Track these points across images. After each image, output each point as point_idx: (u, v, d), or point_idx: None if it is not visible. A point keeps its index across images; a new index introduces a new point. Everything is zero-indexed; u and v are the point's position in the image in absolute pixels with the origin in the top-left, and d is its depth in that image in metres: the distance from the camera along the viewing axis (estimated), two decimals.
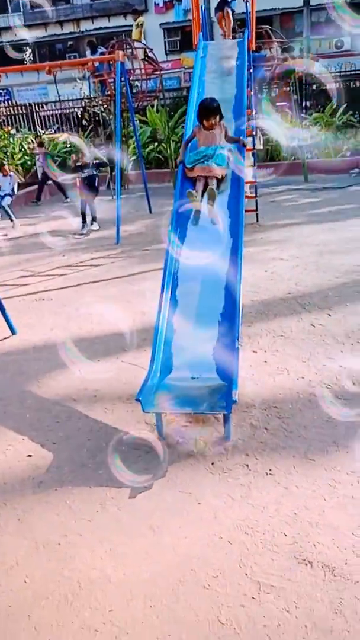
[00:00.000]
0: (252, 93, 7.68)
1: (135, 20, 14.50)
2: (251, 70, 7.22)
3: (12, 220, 9.69)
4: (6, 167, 10.12)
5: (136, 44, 13.31)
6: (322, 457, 2.92)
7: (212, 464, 2.92)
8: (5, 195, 9.77)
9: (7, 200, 9.76)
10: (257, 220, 8.31)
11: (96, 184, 9.15)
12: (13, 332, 4.81)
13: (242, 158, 4.58)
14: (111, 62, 10.95)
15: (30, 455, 3.12)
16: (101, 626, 2.04)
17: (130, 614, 2.09)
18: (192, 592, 2.16)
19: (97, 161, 9.27)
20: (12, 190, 9.98)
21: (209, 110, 4.39)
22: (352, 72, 18.36)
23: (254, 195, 8.07)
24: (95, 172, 9.06)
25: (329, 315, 4.72)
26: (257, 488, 2.72)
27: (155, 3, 29.54)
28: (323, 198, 10.00)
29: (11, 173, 10.07)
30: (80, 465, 3.00)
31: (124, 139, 12.22)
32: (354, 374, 3.74)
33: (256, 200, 8.18)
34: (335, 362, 3.91)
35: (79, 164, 9.06)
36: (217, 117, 4.42)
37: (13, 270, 6.98)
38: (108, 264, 7.00)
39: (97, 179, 9.16)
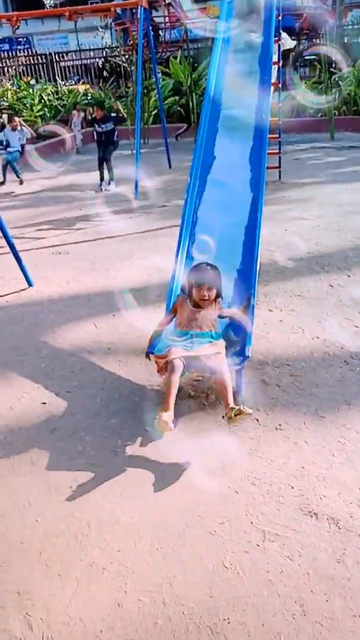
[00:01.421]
0: (280, 42, 7.33)
1: None
2: (280, 18, 6.86)
3: (18, 177, 9.57)
4: (16, 120, 9.87)
5: None
6: (332, 415, 2.92)
7: (223, 417, 2.94)
8: (15, 151, 9.58)
9: (16, 157, 9.58)
10: (280, 178, 8.10)
11: (114, 138, 8.89)
12: (30, 284, 4.83)
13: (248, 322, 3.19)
14: (134, 9, 10.52)
15: (44, 403, 3.18)
16: (109, 565, 2.12)
17: (137, 555, 2.16)
18: (198, 537, 2.22)
19: (114, 115, 8.98)
20: (22, 146, 9.75)
21: (205, 278, 3.06)
22: None
23: (277, 151, 7.83)
24: (113, 126, 8.78)
25: (348, 276, 4.64)
26: (267, 442, 2.74)
27: None
28: (349, 157, 9.67)
29: (22, 127, 9.82)
30: (93, 414, 3.05)
31: (145, 91, 11.88)
32: None
33: (279, 157, 7.96)
34: (352, 323, 3.86)
35: (94, 116, 8.80)
36: (214, 292, 3.07)
37: (30, 224, 6.96)
38: (126, 220, 6.93)
39: (115, 132, 8.89)
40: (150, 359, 3.14)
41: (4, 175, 9.71)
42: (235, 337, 3.19)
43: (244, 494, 2.42)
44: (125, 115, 9.31)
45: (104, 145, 8.76)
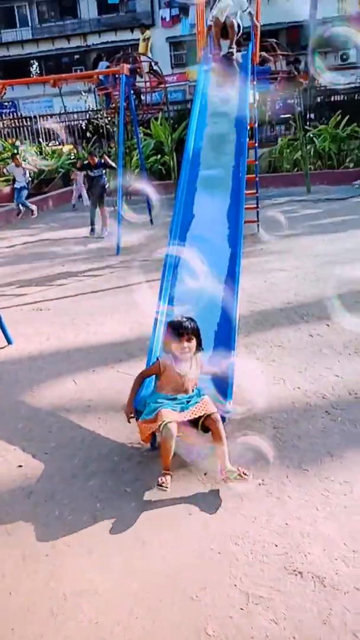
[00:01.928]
0: (255, 106, 7.73)
1: (142, 33, 14.72)
2: (254, 83, 7.28)
3: (31, 210, 9.95)
4: (18, 157, 10.36)
5: (142, 58, 13.48)
6: (315, 467, 2.88)
7: (205, 474, 2.89)
8: (22, 188, 10.00)
9: (24, 193, 10.01)
10: (258, 231, 8.32)
11: (104, 186, 9.29)
12: (9, 342, 4.81)
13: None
14: (116, 75, 11.08)
15: (20, 466, 3.09)
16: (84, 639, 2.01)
17: (116, 626, 2.05)
18: (180, 603, 2.12)
19: (103, 162, 9.40)
20: (27, 183, 10.26)
21: (183, 329, 2.91)
22: (358, 84, 18.50)
23: (255, 206, 8.09)
24: (103, 173, 9.20)
25: (327, 325, 4.70)
26: (249, 499, 2.68)
27: (162, 17, 29.97)
28: (325, 209, 10.02)
29: (24, 165, 10.31)
30: (71, 476, 2.97)
31: (127, 150, 12.33)
32: (350, 384, 3.71)
33: (257, 211, 8.21)
34: (332, 372, 3.88)
35: (86, 162, 9.24)
36: (194, 343, 2.95)
37: (12, 280, 7.01)
38: (107, 274, 7.02)
39: (105, 178, 9.32)
40: (130, 422, 3.04)
41: (20, 207, 10.19)
42: (216, 391, 3.18)
43: (226, 554, 2.34)
44: (114, 165, 9.63)
45: (96, 189, 9.27)
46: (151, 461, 3.01)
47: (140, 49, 14.17)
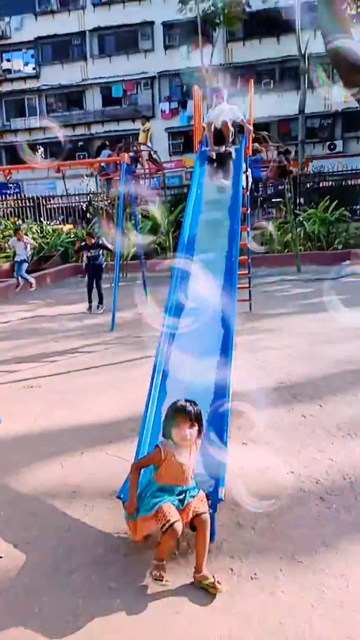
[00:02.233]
0: (248, 193, 8.15)
1: (142, 124, 15.81)
2: (247, 173, 7.72)
3: (30, 283, 10.09)
4: (20, 232, 10.68)
5: (142, 147, 14.40)
6: (310, 559, 2.76)
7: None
8: (22, 261, 10.22)
9: (24, 266, 10.22)
10: (250, 309, 8.48)
11: (101, 266, 9.61)
12: None
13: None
14: (117, 163, 11.75)
15: (0, 557, 2.94)
16: None
17: None
18: None
19: (100, 242, 9.73)
20: (28, 256, 10.51)
21: (185, 415, 2.75)
22: (344, 172, 19.67)
23: (247, 285, 8.30)
24: (100, 252, 9.49)
25: (320, 406, 4.67)
26: (241, 595, 2.54)
27: (162, 110, 32.25)
28: (315, 289, 10.27)
29: (25, 239, 10.60)
30: (53, 569, 2.81)
31: (125, 230, 12.81)
32: (344, 467, 3.63)
33: (249, 290, 8.40)
34: (325, 455, 3.81)
35: (83, 244, 9.54)
36: (196, 430, 2.77)
37: (5, 356, 6.99)
38: (101, 351, 7.04)
39: (102, 258, 9.65)
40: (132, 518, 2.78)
41: (19, 279, 10.36)
42: (208, 477, 3.10)
43: None
44: (111, 247, 9.96)
45: (93, 269, 9.50)
46: (138, 554, 2.88)
47: (141, 139, 15.15)
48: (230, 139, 6.94)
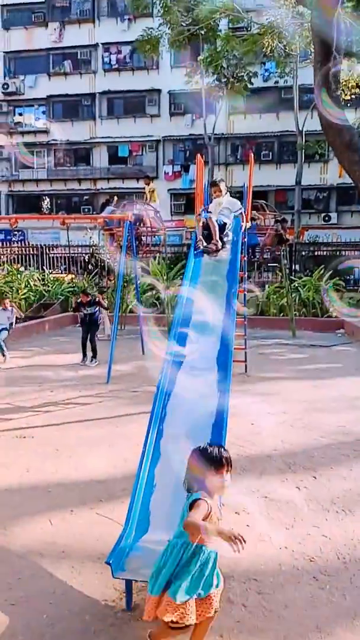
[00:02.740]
0: (245, 258, 8.42)
1: (147, 185, 16.42)
2: (245, 240, 7.99)
3: (3, 355, 9.81)
4: (7, 301, 10.53)
5: (147, 206, 14.90)
6: None
7: None
8: (2, 329, 10.01)
9: (3, 335, 9.98)
10: (246, 371, 8.53)
11: (97, 321, 9.67)
12: None
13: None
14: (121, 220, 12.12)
15: None
16: None
17: None
18: None
19: (97, 300, 9.83)
20: (10, 324, 10.26)
21: (226, 460, 2.49)
22: (339, 243, 20.36)
23: (243, 347, 8.40)
24: (96, 309, 9.59)
25: (314, 477, 4.63)
26: None
27: (165, 172, 33.55)
28: (310, 355, 10.38)
29: (10, 307, 10.42)
30: (37, 635, 2.70)
31: (125, 284, 13.02)
32: (338, 546, 3.57)
33: (245, 352, 8.49)
34: (319, 532, 3.75)
35: (80, 300, 9.62)
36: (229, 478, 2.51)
37: None
38: (95, 403, 6.99)
39: (98, 315, 9.69)
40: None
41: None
42: None
43: None
44: (107, 305, 10.11)
45: (88, 326, 9.53)
46: (125, 624, 2.78)
47: (149, 199, 15.66)
48: (218, 236, 6.57)
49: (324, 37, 5.98)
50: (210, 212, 6.99)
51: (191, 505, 2.37)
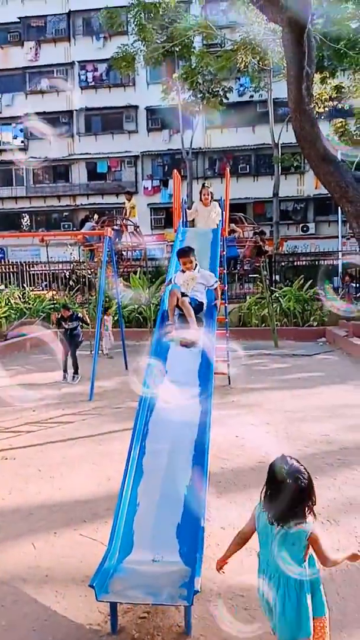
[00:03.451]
0: (224, 271, 8.48)
1: (128, 200, 16.53)
2: (224, 252, 8.07)
3: None
4: None
5: (128, 222, 15.00)
6: None
7: None
8: None
9: None
10: (229, 383, 8.54)
11: (78, 337, 9.53)
12: None
13: None
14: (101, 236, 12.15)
15: None
16: None
17: None
18: None
19: (79, 315, 9.74)
20: None
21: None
22: (317, 253, 20.66)
23: (226, 359, 8.42)
24: (77, 324, 9.46)
25: None
26: None
27: (144, 187, 33.76)
28: (292, 364, 10.45)
29: None
30: None
31: (106, 299, 13.01)
32: None
33: (228, 364, 8.50)
34: None
35: (60, 315, 9.50)
36: None
37: None
38: (78, 421, 6.92)
39: (80, 331, 9.58)
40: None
41: None
42: (185, 565, 3.01)
43: None
44: (89, 321, 10.04)
45: (69, 341, 9.41)
46: None
47: (129, 214, 15.77)
48: (195, 323, 5.47)
49: (295, 53, 6.14)
50: (177, 286, 5.76)
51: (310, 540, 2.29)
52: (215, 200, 9.01)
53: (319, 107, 20.59)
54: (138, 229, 14.67)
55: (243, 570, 3.41)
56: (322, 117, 21.39)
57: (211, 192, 8.17)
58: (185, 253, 5.97)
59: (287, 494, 2.29)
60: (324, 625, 2.39)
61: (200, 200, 8.86)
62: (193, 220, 9.13)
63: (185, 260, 5.91)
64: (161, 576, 2.93)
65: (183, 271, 5.99)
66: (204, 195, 8.13)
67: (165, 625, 2.86)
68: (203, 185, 8.38)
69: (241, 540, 2.72)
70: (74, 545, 3.74)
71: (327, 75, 19.87)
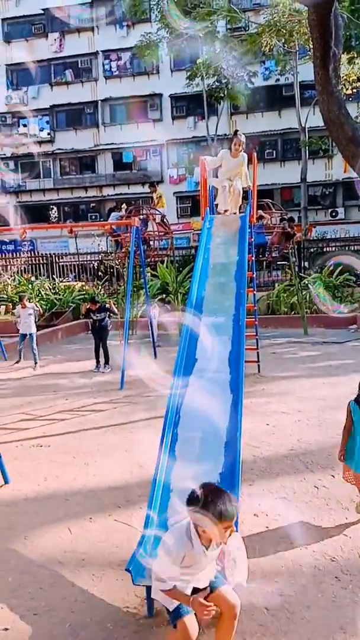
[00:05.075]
0: (253, 258, 8.38)
1: (154, 192, 16.48)
2: (252, 240, 7.95)
3: (35, 362, 9.93)
4: (25, 300, 10.59)
5: (155, 211, 14.97)
6: None
7: None
8: (29, 334, 10.10)
9: (34, 341, 10.06)
10: (259, 371, 8.49)
11: (107, 326, 9.71)
12: (6, 481, 4.66)
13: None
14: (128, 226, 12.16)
15: (6, 629, 2.83)
16: None
17: None
18: None
19: (107, 306, 9.83)
20: (35, 324, 10.31)
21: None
22: (347, 238, 20.22)
23: (255, 347, 8.36)
24: (106, 315, 9.61)
25: (333, 476, 4.59)
26: None
27: (170, 176, 33.60)
28: (323, 352, 10.30)
29: (30, 305, 10.45)
30: None
31: (135, 289, 13.06)
32: (359, 544, 3.53)
33: (257, 352, 8.45)
34: (339, 530, 3.71)
35: (88, 307, 9.62)
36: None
37: (14, 413, 6.97)
38: (110, 410, 7.01)
39: (107, 320, 9.74)
40: None
41: (20, 355, 10.34)
42: None
43: None
44: (116, 310, 10.13)
45: (98, 332, 9.58)
46: (148, 631, 2.78)
47: (157, 204, 15.72)
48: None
49: (321, 33, 5.97)
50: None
51: None
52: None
53: (347, 89, 20.00)
54: (165, 219, 14.62)
55: (277, 556, 3.43)
56: (350, 99, 20.78)
57: (243, 142, 7.61)
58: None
59: None
60: None
61: (230, 149, 7.92)
62: (215, 170, 8.39)
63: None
64: None
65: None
66: (235, 144, 7.48)
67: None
68: (235, 132, 7.76)
69: (347, 432, 3.88)
70: (109, 531, 3.81)
71: (355, 56, 19.26)
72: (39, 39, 34.41)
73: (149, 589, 2.88)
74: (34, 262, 17.74)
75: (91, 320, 9.75)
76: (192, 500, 2.35)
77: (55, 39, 34.03)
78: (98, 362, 9.57)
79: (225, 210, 7.62)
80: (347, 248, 18.61)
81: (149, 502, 3.45)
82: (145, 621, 2.85)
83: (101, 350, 9.59)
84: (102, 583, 3.20)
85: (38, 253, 19.74)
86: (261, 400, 7.02)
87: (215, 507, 2.26)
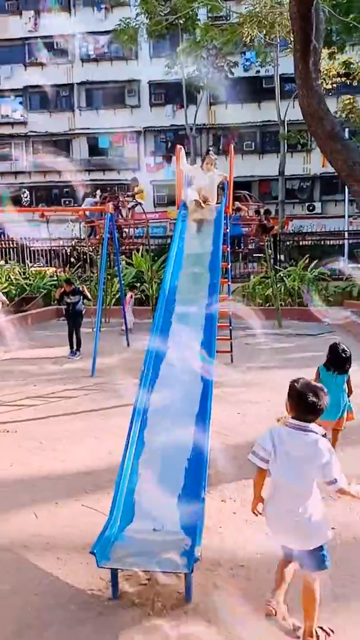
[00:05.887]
0: (228, 249, 8.40)
1: (136, 186, 16.34)
2: (227, 230, 7.97)
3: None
4: None
5: (130, 199, 14.85)
6: None
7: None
8: None
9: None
10: (232, 361, 8.54)
11: (81, 312, 9.57)
12: None
13: None
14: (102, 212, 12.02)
15: None
16: None
17: None
18: None
19: (81, 289, 9.71)
20: None
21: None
22: (323, 232, 20.47)
23: (228, 337, 8.40)
24: (80, 299, 9.48)
25: None
26: None
27: (147, 164, 33.33)
28: (296, 344, 10.44)
29: None
30: (25, 625, 2.69)
31: (109, 277, 12.96)
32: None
33: (231, 343, 8.49)
34: None
35: (63, 289, 9.49)
36: None
37: None
38: (80, 396, 6.95)
39: (82, 306, 9.62)
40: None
41: None
42: (184, 535, 3.04)
43: None
44: (90, 296, 10.02)
45: (72, 316, 9.46)
46: (112, 613, 2.77)
47: (138, 197, 15.60)
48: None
49: (302, 27, 5.96)
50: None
51: None
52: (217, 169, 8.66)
53: (327, 84, 20.15)
54: (138, 206, 14.48)
55: (244, 539, 3.47)
56: (330, 94, 20.96)
57: (215, 162, 7.94)
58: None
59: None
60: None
61: (201, 167, 8.30)
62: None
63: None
64: (162, 545, 2.97)
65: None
66: (206, 163, 7.91)
67: (165, 591, 2.91)
68: (208, 151, 8.23)
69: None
70: (76, 515, 3.79)
71: (336, 50, 19.38)
72: (13, 16, 33.43)
73: (114, 571, 2.89)
74: (4, 246, 17.39)
75: (65, 305, 9.61)
76: None
77: (30, 17, 33.11)
78: (72, 347, 9.46)
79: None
80: (322, 242, 18.87)
81: (116, 487, 3.44)
82: (109, 603, 2.85)
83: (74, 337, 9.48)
84: (67, 566, 3.18)
85: (7, 237, 19.35)
86: (234, 389, 7.06)
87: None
